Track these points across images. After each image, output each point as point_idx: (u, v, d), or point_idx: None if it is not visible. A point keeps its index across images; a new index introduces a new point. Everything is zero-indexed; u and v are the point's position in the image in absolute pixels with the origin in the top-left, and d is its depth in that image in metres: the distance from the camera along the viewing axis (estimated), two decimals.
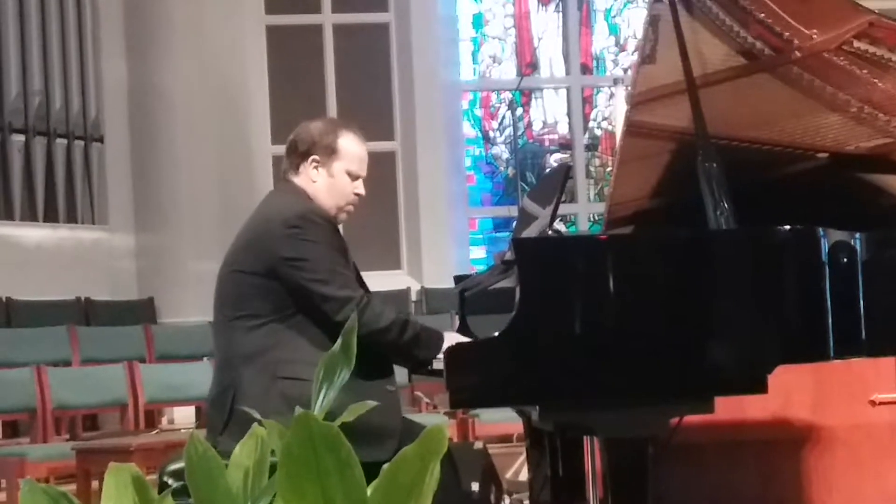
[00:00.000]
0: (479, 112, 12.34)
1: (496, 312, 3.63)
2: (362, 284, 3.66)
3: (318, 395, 1.96)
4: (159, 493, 1.96)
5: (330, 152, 3.70)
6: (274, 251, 3.52)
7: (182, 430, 6.92)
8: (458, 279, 4.51)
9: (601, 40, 12.45)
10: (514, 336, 3.14)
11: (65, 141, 10.32)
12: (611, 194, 4.29)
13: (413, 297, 11.16)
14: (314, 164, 3.69)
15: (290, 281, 3.51)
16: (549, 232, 3.72)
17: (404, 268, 11.64)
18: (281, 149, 3.86)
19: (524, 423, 4.45)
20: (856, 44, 3.79)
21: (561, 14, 12.30)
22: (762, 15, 3.81)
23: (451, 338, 3.52)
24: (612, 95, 11.75)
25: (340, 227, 3.74)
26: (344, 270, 3.55)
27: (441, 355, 3.38)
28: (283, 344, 3.50)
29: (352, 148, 3.74)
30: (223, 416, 3.49)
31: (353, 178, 3.73)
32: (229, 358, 3.59)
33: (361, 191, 3.75)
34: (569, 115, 12.33)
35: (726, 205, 3.47)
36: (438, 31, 11.86)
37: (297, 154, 3.72)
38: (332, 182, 3.70)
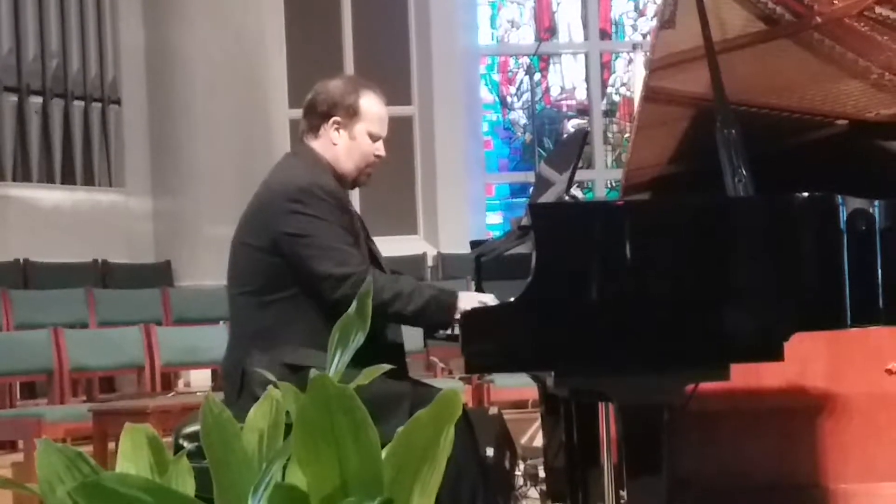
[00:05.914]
0: (496, 77, 12.29)
1: (512, 278, 3.63)
2: (377, 260, 3.58)
3: (333, 359, 1.96)
4: (174, 454, 1.96)
5: (352, 113, 3.60)
6: (275, 225, 3.44)
7: (198, 393, 6.93)
8: (474, 244, 4.50)
9: (620, 5, 12.38)
10: (530, 302, 3.14)
11: (82, 103, 10.32)
12: (628, 160, 4.27)
13: (429, 262, 11.16)
14: (335, 125, 3.60)
15: (290, 256, 3.42)
16: (566, 198, 3.71)
17: (421, 233, 11.63)
18: (299, 112, 3.79)
19: (539, 389, 4.45)
20: (877, 9, 3.75)
21: None
22: None
23: (467, 297, 3.43)
24: (630, 61, 11.71)
25: (357, 192, 3.67)
26: (344, 247, 3.42)
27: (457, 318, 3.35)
28: (289, 326, 3.42)
29: (373, 108, 3.64)
30: (234, 394, 3.45)
31: (375, 139, 3.64)
32: (239, 334, 3.55)
33: (382, 152, 3.67)
34: (587, 80, 12.28)
35: (744, 171, 3.45)
36: None
37: (317, 115, 3.62)
38: (354, 144, 3.61)
